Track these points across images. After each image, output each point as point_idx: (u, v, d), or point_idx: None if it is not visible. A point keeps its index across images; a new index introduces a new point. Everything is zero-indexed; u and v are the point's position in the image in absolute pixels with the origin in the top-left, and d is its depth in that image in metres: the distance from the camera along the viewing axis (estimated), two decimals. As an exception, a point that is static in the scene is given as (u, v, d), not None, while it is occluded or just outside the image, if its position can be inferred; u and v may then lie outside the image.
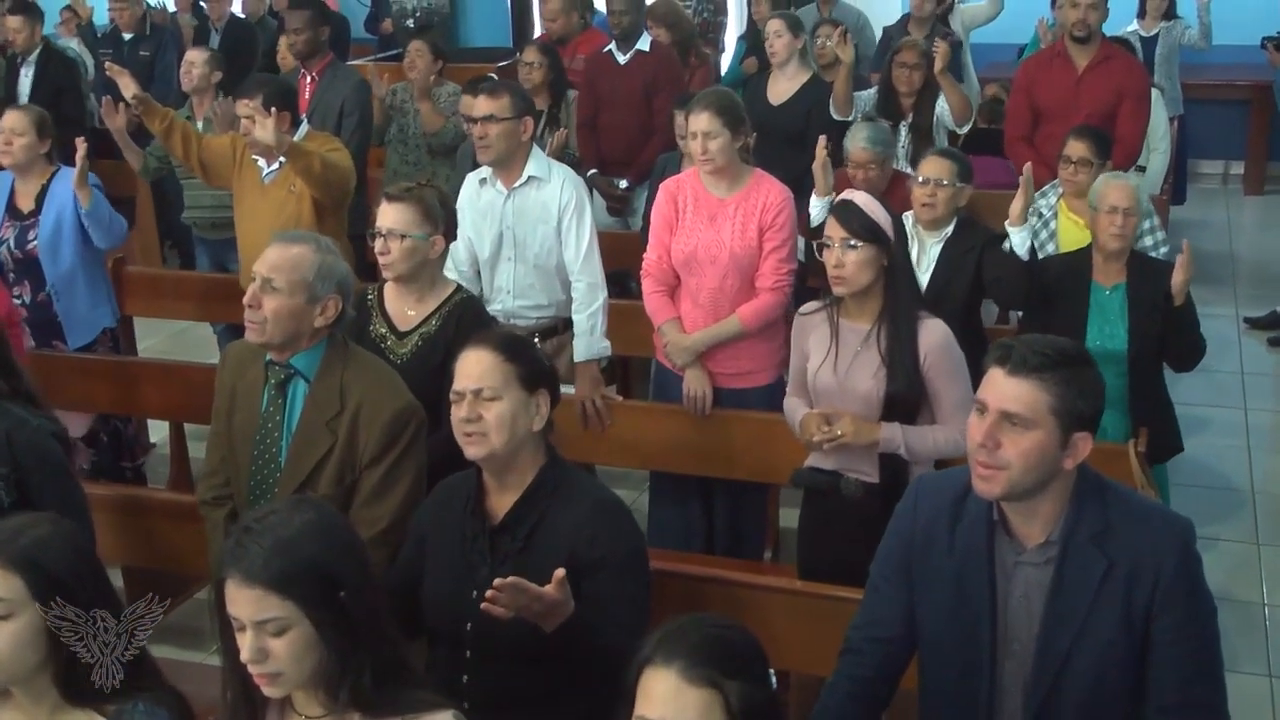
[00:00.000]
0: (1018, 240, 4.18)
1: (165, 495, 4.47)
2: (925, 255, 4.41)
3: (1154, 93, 6.20)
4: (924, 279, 4.30)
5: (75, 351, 5.03)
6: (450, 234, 3.71)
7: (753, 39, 8.15)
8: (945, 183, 4.39)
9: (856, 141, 5.06)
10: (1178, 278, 4.06)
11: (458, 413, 2.67)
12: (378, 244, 3.57)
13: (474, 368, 2.67)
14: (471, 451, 2.67)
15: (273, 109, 4.57)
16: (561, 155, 5.79)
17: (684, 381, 4.23)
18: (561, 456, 2.78)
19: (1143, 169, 6.34)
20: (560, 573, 2.46)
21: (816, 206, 4.36)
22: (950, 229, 4.44)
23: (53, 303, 5.02)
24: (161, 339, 6.96)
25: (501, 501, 2.71)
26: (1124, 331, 4.19)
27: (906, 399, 3.37)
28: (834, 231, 3.35)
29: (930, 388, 3.37)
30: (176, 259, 7.89)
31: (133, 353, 5.79)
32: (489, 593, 2.44)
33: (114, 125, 5.55)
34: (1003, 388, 2.26)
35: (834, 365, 3.43)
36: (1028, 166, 4.26)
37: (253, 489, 3.14)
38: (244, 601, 2.01)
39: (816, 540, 3.61)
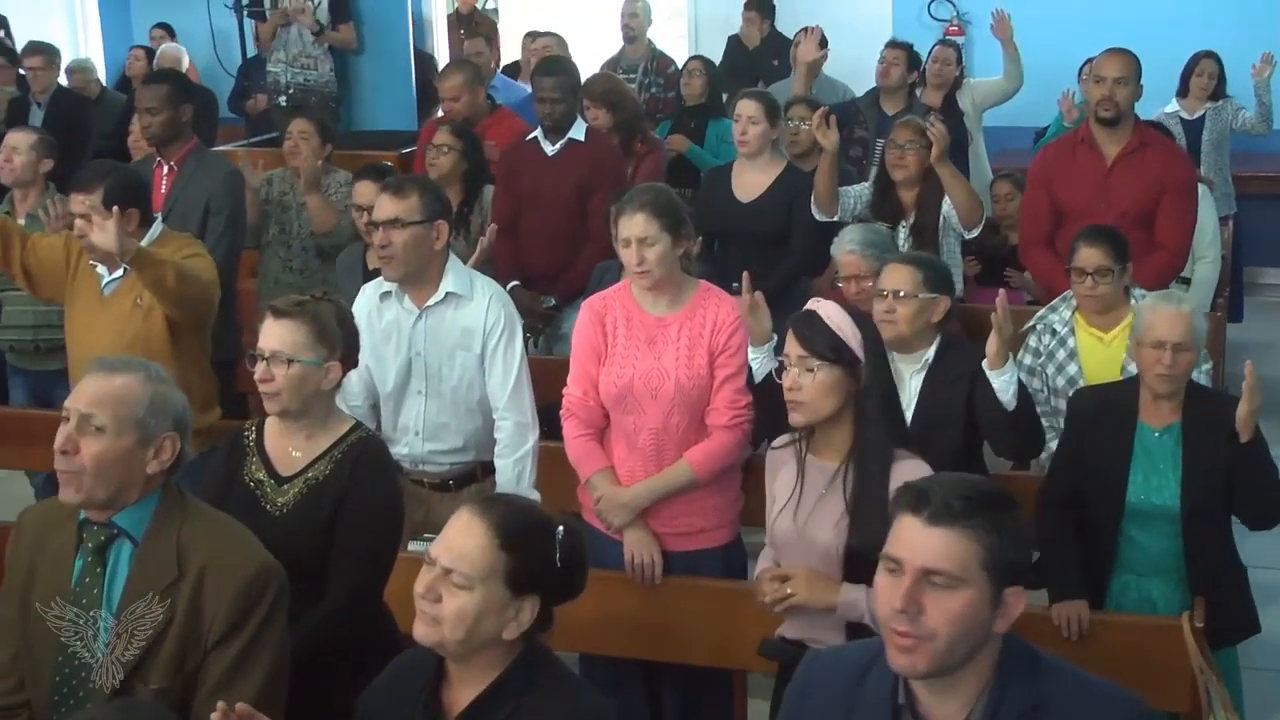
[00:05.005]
0: (999, 385, 4.08)
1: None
2: (905, 388, 4.35)
3: (1200, 188, 6.28)
4: (907, 418, 4.24)
5: None
6: (350, 360, 3.70)
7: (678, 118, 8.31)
8: (904, 294, 4.32)
9: (844, 246, 5.05)
10: (1242, 409, 3.98)
11: (421, 577, 2.64)
12: (259, 369, 3.54)
13: (457, 540, 2.64)
14: (419, 632, 2.65)
15: (114, 207, 4.50)
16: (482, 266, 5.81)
17: (625, 545, 4.19)
18: (544, 646, 2.75)
19: (1187, 281, 6.42)
20: None
21: (756, 358, 4.06)
22: (930, 354, 4.38)
23: None
24: (-42, 493, 6.82)
25: (460, 694, 2.70)
26: (1175, 483, 4.15)
27: (872, 556, 3.36)
28: (791, 349, 3.39)
29: None
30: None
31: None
32: None
33: None
34: (922, 540, 2.31)
35: (794, 511, 3.46)
36: (1001, 298, 4.13)
37: (58, 686, 3.00)
38: None
39: None
